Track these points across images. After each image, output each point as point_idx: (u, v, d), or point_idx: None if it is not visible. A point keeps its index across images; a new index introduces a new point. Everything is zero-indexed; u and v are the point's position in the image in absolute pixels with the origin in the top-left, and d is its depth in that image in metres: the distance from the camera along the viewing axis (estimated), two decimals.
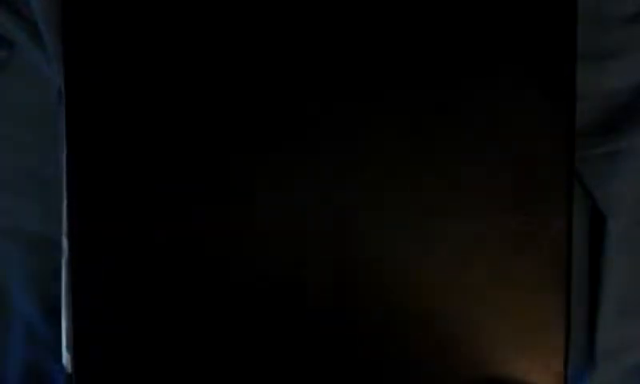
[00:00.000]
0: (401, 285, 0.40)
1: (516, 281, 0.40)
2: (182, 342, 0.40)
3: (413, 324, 0.40)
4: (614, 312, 0.47)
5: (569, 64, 0.40)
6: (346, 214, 0.40)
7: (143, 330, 0.40)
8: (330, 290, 0.40)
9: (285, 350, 0.40)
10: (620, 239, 0.47)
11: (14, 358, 0.49)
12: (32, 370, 0.48)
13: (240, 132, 0.40)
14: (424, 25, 0.39)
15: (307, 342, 0.40)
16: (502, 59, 0.40)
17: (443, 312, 0.40)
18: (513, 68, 0.40)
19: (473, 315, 0.40)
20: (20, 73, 0.47)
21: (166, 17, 0.39)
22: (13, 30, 0.46)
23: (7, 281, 0.48)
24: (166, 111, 0.40)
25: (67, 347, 0.41)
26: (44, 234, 0.47)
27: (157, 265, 0.40)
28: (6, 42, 0.47)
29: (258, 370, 0.40)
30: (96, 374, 0.40)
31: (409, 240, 0.40)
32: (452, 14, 0.39)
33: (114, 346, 0.40)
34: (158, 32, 0.39)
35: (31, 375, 0.49)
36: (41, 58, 0.46)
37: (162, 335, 0.40)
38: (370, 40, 0.39)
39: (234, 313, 0.40)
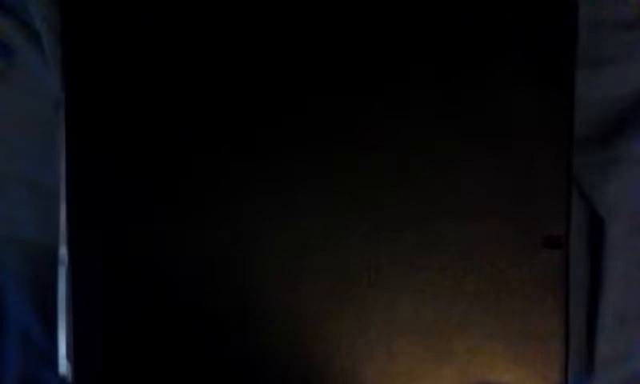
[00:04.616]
0: (399, 289, 0.40)
1: (514, 288, 0.40)
2: (180, 349, 0.40)
3: (411, 330, 0.40)
4: (612, 319, 0.47)
5: (568, 70, 0.40)
6: (343, 218, 0.40)
7: (143, 337, 0.40)
8: (329, 291, 0.40)
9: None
10: (618, 245, 0.47)
11: (9, 366, 0.49)
12: (28, 377, 0.48)
13: (238, 135, 0.40)
14: (424, 27, 0.39)
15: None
16: (501, 65, 0.40)
17: (441, 319, 0.40)
18: (512, 74, 0.40)
19: (471, 323, 0.40)
20: (18, 80, 0.47)
21: (165, 22, 0.40)
22: (12, 37, 0.46)
23: (3, 288, 0.48)
24: (165, 117, 0.40)
25: (67, 356, 0.41)
26: (40, 242, 0.47)
27: (155, 273, 0.40)
28: (5, 50, 0.47)
29: None
30: (96, 382, 0.40)
31: (408, 243, 0.40)
32: (452, 19, 0.39)
33: (113, 355, 0.40)
34: (156, 37, 0.40)
35: (27, 383, 0.49)
36: (40, 64, 0.46)
37: (160, 344, 0.40)
38: (371, 42, 0.40)
39: (231, 323, 0.40)
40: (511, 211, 0.40)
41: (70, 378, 0.41)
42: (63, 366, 0.41)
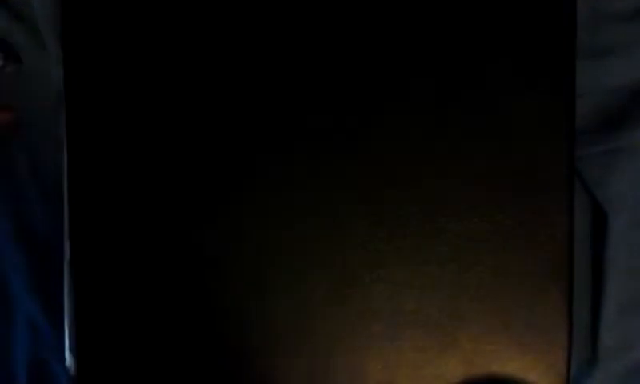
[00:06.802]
0: (402, 284, 0.40)
1: (518, 280, 0.40)
2: (181, 345, 0.40)
3: (415, 323, 0.40)
4: (615, 310, 0.47)
5: (568, 62, 0.40)
6: (345, 214, 0.40)
7: (145, 332, 0.40)
8: (331, 288, 0.40)
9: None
10: (621, 237, 0.47)
11: (17, 358, 0.49)
12: (36, 369, 0.49)
13: (239, 133, 0.40)
14: (424, 25, 0.40)
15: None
16: (501, 58, 0.40)
17: (445, 311, 0.40)
18: (512, 67, 0.40)
19: (475, 314, 0.40)
20: (21, 77, 0.47)
21: (165, 19, 0.39)
22: (13, 33, 0.46)
23: (10, 281, 0.48)
24: (165, 113, 0.40)
25: (70, 348, 0.41)
26: (46, 235, 0.47)
27: (158, 266, 0.40)
28: (7, 48, 0.47)
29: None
30: (99, 375, 0.40)
31: (409, 239, 0.40)
32: (452, 15, 0.39)
33: (116, 348, 0.40)
34: (157, 34, 0.40)
35: (35, 375, 0.49)
36: (41, 59, 0.46)
37: (163, 336, 0.40)
38: (371, 42, 0.40)
39: (234, 320, 0.40)
40: (514, 205, 0.40)
41: (72, 369, 0.41)
42: (69, 358, 0.41)
